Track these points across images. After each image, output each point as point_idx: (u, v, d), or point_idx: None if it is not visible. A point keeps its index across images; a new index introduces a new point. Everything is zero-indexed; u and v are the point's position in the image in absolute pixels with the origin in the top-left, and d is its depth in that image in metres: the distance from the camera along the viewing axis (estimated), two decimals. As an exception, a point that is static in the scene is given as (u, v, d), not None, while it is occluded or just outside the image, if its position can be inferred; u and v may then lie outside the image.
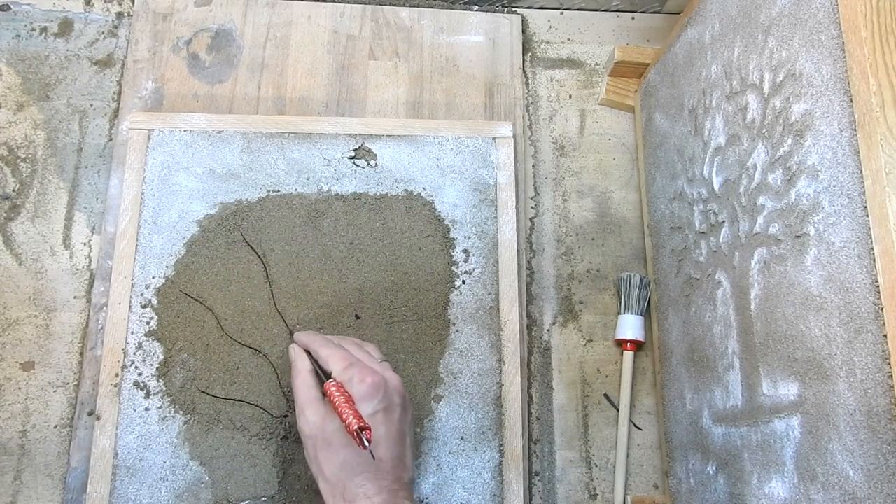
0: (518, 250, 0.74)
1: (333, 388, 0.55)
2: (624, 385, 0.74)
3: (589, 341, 0.77)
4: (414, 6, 0.84)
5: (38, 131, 0.76)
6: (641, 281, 0.76)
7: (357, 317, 0.70)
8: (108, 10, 0.81)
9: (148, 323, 0.68)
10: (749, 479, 0.56)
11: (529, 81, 0.85)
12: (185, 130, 0.74)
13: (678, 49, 0.71)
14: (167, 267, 0.70)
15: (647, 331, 0.76)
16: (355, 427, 0.51)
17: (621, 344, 0.76)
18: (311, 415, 0.55)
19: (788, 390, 0.51)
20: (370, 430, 0.52)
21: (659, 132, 0.76)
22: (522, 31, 0.85)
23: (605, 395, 0.76)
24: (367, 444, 0.51)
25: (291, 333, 0.69)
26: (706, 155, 0.65)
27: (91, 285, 0.72)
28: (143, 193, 0.72)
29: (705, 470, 0.64)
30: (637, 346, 0.75)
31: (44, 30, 0.80)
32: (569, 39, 0.87)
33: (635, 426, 0.75)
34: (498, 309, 0.72)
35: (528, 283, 0.78)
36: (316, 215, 0.73)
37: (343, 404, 0.53)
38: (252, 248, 0.71)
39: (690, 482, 0.67)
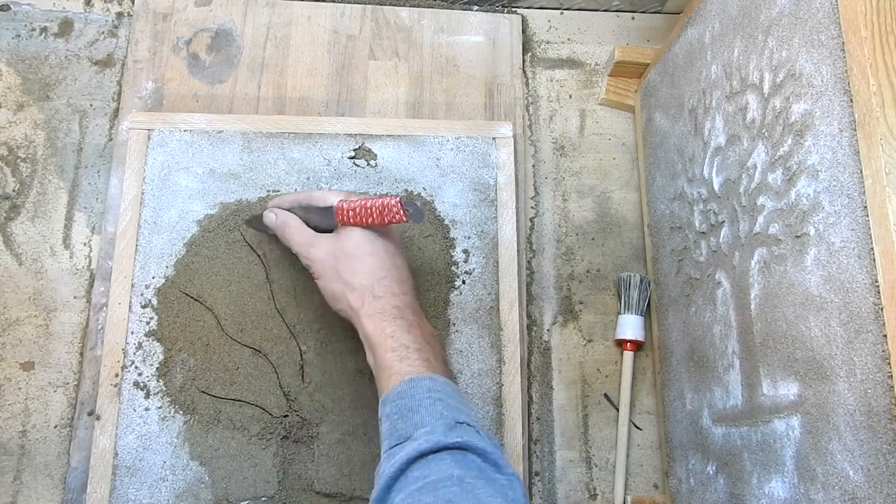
0: (518, 250, 0.74)
1: (345, 204, 0.59)
2: (624, 385, 0.74)
3: (589, 341, 0.77)
4: (414, 6, 0.84)
5: (38, 131, 0.76)
6: (641, 281, 0.76)
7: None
8: (108, 10, 0.81)
9: (148, 323, 0.68)
10: (749, 479, 0.56)
11: (529, 81, 0.85)
12: (185, 130, 0.74)
13: (678, 49, 0.71)
14: (167, 267, 0.70)
15: (646, 331, 0.76)
16: (395, 201, 0.56)
17: (621, 344, 0.76)
18: (321, 243, 0.60)
19: (788, 390, 0.51)
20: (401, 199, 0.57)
21: (659, 132, 0.76)
22: (522, 31, 0.85)
23: (605, 395, 0.76)
24: (409, 210, 0.57)
25: (292, 334, 0.69)
26: (706, 155, 0.65)
27: (91, 285, 0.72)
28: (143, 193, 0.72)
29: (705, 470, 0.64)
30: (637, 346, 0.75)
31: (44, 30, 0.80)
32: (569, 39, 0.87)
33: (635, 426, 0.75)
34: (498, 309, 0.72)
35: (528, 283, 0.78)
36: (316, 215, 0.73)
37: (365, 204, 0.58)
38: (252, 247, 0.71)
39: (690, 482, 0.67)
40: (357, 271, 0.58)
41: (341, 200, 0.59)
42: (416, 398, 0.51)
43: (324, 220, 0.61)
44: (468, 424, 0.49)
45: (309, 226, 0.62)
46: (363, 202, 0.58)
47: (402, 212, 0.57)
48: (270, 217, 0.64)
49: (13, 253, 0.72)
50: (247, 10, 0.81)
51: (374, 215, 0.57)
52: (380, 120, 0.78)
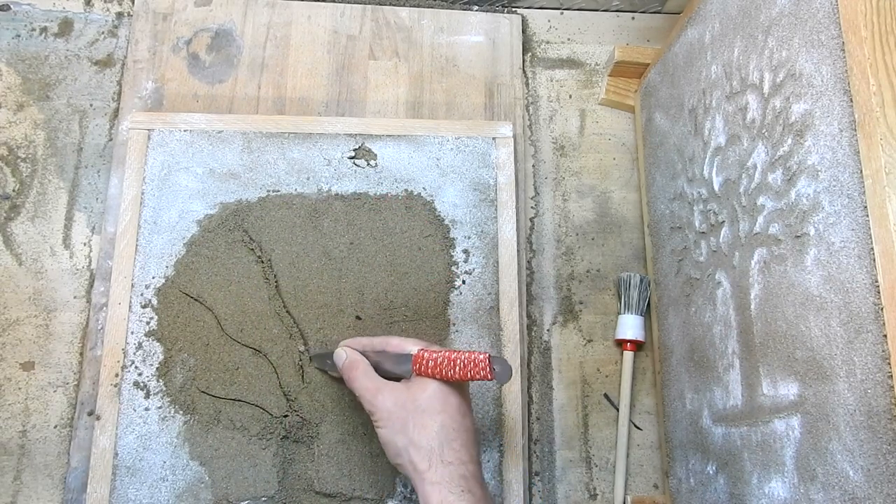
0: (518, 250, 0.74)
1: (426, 353, 0.56)
2: (624, 385, 0.74)
3: (589, 341, 0.77)
4: (414, 6, 0.84)
5: (38, 131, 0.76)
6: (641, 281, 0.76)
7: (358, 317, 0.70)
8: (108, 10, 0.81)
9: (148, 323, 0.68)
10: (749, 479, 0.56)
11: (529, 81, 0.85)
12: (185, 130, 0.74)
13: (678, 49, 0.71)
14: (167, 267, 0.70)
15: (646, 331, 0.76)
16: (483, 357, 0.53)
17: (621, 344, 0.76)
18: (390, 393, 0.56)
19: (788, 390, 0.51)
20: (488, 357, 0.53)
21: (659, 132, 0.76)
22: (522, 31, 0.85)
23: (605, 395, 0.76)
24: (496, 369, 0.53)
25: (292, 334, 0.69)
26: (706, 155, 0.65)
27: (91, 285, 0.72)
28: (143, 193, 0.72)
29: (705, 470, 0.64)
30: (637, 346, 0.75)
31: (44, 30, 0.80)
32: (569, 39, 0.87)
33: (635, 426, 0.75)
34: (498, 309, 0.72)
35: (528, 283, 0.78)
36: (316, 215, 0.73)
37: (449, 356, 0.54)
38: (251, 249, 0.71)
39: (690, 482, 0.67)
40: (427, 428, 0.54)
41: (422, 349, 0.56)
42: None
43: (398, 368, 0.58)
44: None
45: (378, 371, 0.59)
46: (447, 353, 0.55)
47: (488, 369, 0.53)
48: (340, 356, 0.61)
49: (13, 253, 0.72)
50: (247, 10, 0.81)
51: (458, 369, 0.54)
52: (380, 120, 0.78)
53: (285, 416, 0.67)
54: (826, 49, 0.47)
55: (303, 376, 0.68)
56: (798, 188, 0.50)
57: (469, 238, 0.74)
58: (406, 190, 0.75)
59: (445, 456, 0.53)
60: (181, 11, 0.80)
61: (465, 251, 0.73)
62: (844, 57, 0.46)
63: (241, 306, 0.69)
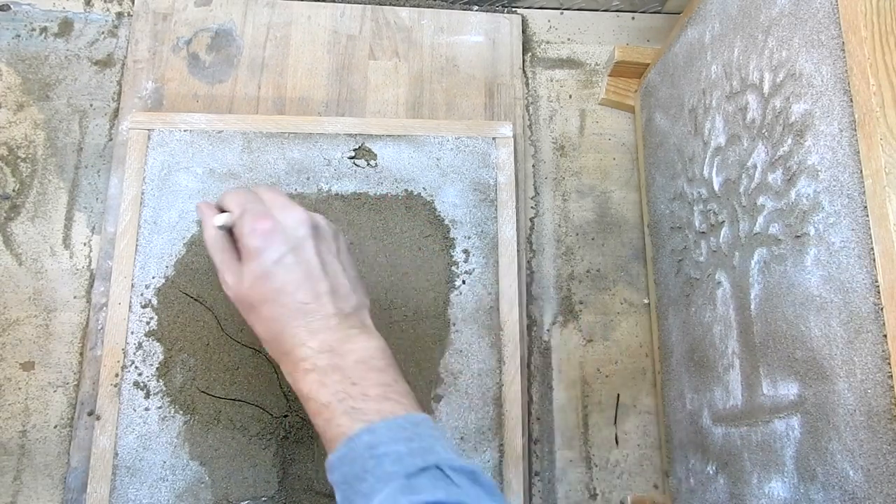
0: (518, 250, 0.74)
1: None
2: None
3: (589, 341, 0.77)
4: (414, 6, 0.84)
5: (38, 131, 0.76)
6: None
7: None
8: (108, 10, 0.81)
9: (148, 323, 0.68)
10: (749, 479, 0.56)
11: (529, 81, 0.85)
12: (185, 130, 0.74)
13: (678, 49, 0.71)
14: (167, 267, 0.70)
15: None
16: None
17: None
18: (228, 278, 0.50)
19: (788, 390, 0.51)
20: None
21: (659, 132, 0.76)
22: (522, 31, 0.85)
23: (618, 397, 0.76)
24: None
25: None
26: (706, 155, 0.65)
27: (91, 285, 0.72)
28: (143, 193, 0.72)
29: (705, 470, 0.64)
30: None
31: (44, 30, 0.80)
32: (569, 39, 0.87)
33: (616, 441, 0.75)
34: (498, 309, 0.72)
35: (528, 283, 0.78)
36: (316, 215, 0.73)
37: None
38: None
39: (690, 482, 0.67)
40: (260, 321, 0.49)
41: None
42: (358, 462, 0.42)
43: None
44: (436, 467, 0.40)
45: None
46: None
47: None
48: (199, 212, 0.54)
49: (13, 253, 0.72)
50: (247, 10, 0.81)
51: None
52: (380, 120, 0.78)
53: (285, 416, 0.67)
54: (826, 49, 0.47)
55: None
56: (798, 188, 0.50)
57: (469, 238, 0.74)
58: (406, 190, 0.75)
59: (284, 346, 0.47)
60: (181, 11, 0.80)
61: (465, 251, 0.73)
62: (844, 57, 0.46)
63: (241, 306, 0.69)
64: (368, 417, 0.44)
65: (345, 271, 0.51)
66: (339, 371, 0.46)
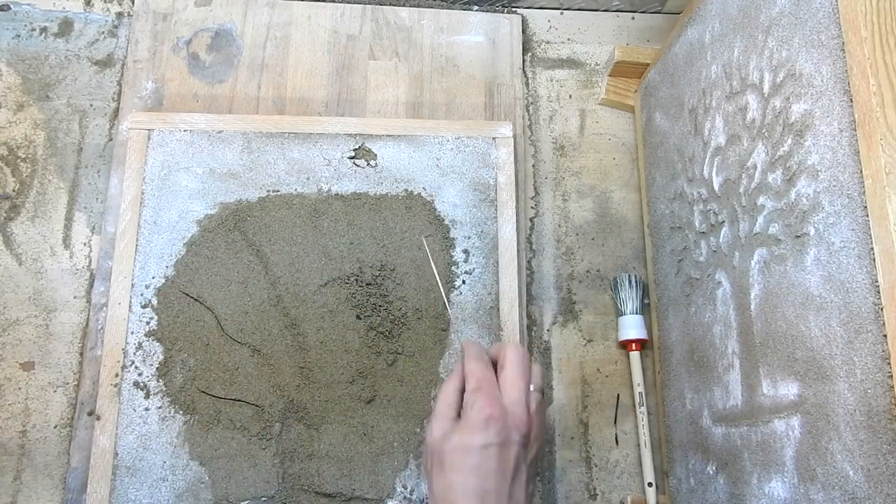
0: (518, 250, 0.74)
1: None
2: (636, 385, 0.74)
3: (589, 341, 0.77)
4: (414, 6, 0.84)
5: (38, 131, 0.76)
6: (633, 279, 0.76)
7: (358, 317, 0.70)
8: (108, 10, 0.81)
9: (148, 323, 0.68)
10: (749, 479, 0.56)
11: (529, 81, 0.85)
12: (185, 130, 0.74)
13: (678, 49, 0.71)
14: (167, 267, 0.70)
15: (647, 328, 0.76)
16: None
17: (626, 345, 0.76)
18: (435, 427, 0.53)
19: (788, 390, 0.51)
20: None
21: (659, 132, 0.76)
22: (522, 31, 0.85)
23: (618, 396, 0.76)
24: None
25: (292, 334, 0.69)
26: (706, 155, 0.65)
27: (91, 285, 0.72)
28: (143, 193, 0.72)
29: (705, 470, 0.64)
30: (641, 344, 0.75)
31: (44, 30, 0.80)
32: (569, 39, 0.87)
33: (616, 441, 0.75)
34: (498, 309, 0.72)
35: (528, 283, 0.78)
36: (316, 215, 0.73)
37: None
38: (251, 248, 0.71)
39: (690, 482, 0.67)
40: (439, 481, 0.52)
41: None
42: None
43: None
44: None
45: None
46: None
47: None
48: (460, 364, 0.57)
49: (13, 253, 0.72)
50: (247, 10, 0.81)
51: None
52: (380, 120, 0.78)
53: (286, 416, 0.67)
54: (826, 49, 0.47)
55: (303, 376, 0.68)
56: (798, 188, 0.50)
57: (469, 238, 0.74)
58: (406, 190, 0.75)
59: None
60: (181, 11, 0.80)
61: (465, 251, 0.73)
62: (844, 57, 0.46)
63: (241, 306, 0.69)
64: None
65: (527, 482, 0.54)
66: None
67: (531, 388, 0.55)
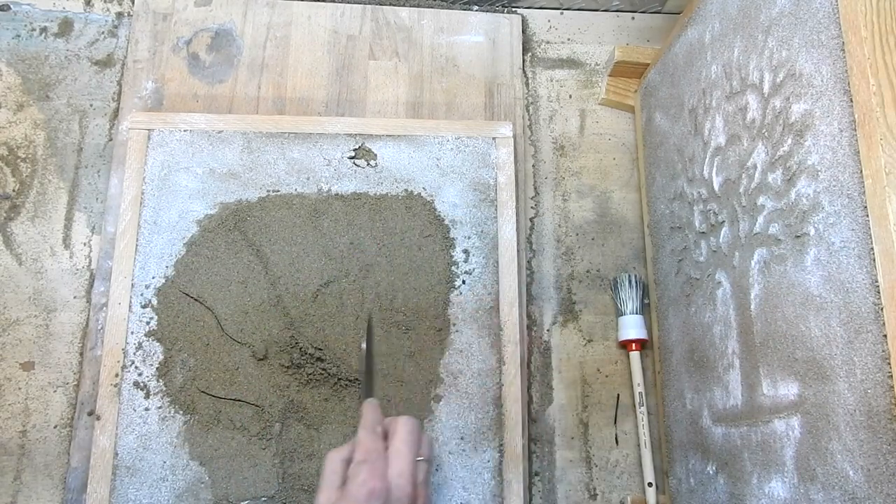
0: (518, 250, 0.74)
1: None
2: (636, 385, 0.74)
3: (589, 341, 0.77)
4: (414, 6, 0.84)
5: (38, 131, 0.76)
6: (633, 279, 0.76)
7: (357, 317, 0.70)
8: (108, 10, 0.82)
9: (148, 323, 0.68)
10: (749, 479, 0.56)
11: (529, 81, 0.85)
12: (185, 130, 0.74)
13: (678, 49, 0.71)
14: (167, 267, 0.70)
15: (648, 328, 0.76)
16: None
17: (626, 346, 0.76)
18: (321, 497, 0.53)
19: (788, 390, 0.51)
20: None
21: (659, 132, 0.76)
22: (522, 31, 0.85)
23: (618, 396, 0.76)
24: None
25: (293, 334, 0.69)
26: (706, 155, 0.65)
27: (91, 285, 0.72)
28: (143, 193, 0.72)
29: (705, 470, 0.64)
30: (641, 344, 0.75)
31: (44, 30, 0.80)
32: (569, 39, 0.87)
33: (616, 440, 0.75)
34: (498, 309, 0.72)
35: (528, 283, 0.78)
36: (316, 215, 0.73)
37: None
38: (252, 248, 0.71)
39: (690, 482, 0.67)
40: None
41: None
42: None
43: None
44: None
45: None
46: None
47: None
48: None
49: (13, 253, 0.72)
50: (247, 10, 0.81)
51: None
52: (380, 120, 0.78)
53: (286, 416, 0.67)
54: (826, 49, 0.47)
55: (303, 376, 0.68)
56: (798, 188, 0.50)
57: (469, 238, 0.74)
58: (406, 190, 0.75)
59: None
60: (181, 11, 0.80)
61: (465, 251, 0.73)
62: (844, 57, 0.46)
63: (241, 306, 0.69)
64: None
65: None
66: None
67: (419, 458, 0.54)
